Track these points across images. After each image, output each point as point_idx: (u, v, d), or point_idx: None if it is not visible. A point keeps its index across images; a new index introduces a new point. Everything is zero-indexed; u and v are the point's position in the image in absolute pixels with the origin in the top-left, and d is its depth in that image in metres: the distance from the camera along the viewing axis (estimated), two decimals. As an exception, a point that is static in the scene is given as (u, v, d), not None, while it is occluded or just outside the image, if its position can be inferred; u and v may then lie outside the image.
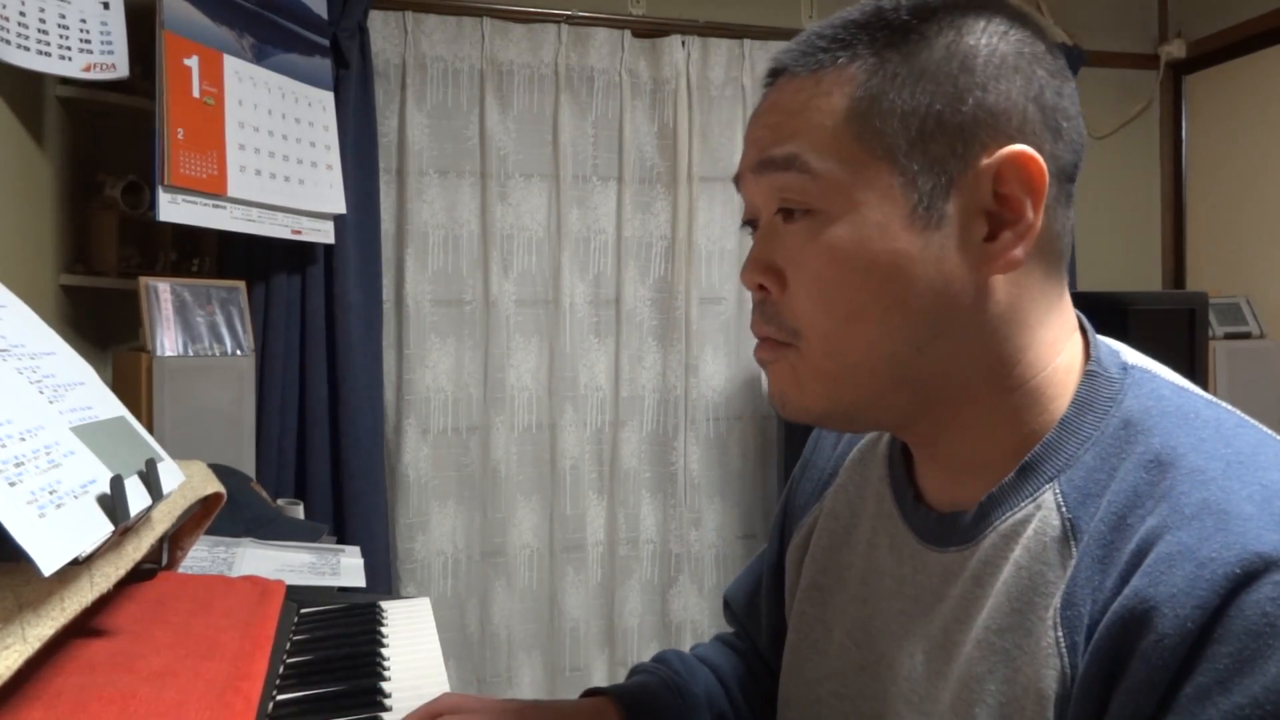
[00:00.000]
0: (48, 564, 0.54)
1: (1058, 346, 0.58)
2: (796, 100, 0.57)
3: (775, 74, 0.60)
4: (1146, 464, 0.52)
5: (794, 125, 0.57)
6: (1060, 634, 0.51)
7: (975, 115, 0.54)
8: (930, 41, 0.55)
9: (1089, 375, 0.58)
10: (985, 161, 0.54)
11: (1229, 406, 0.57)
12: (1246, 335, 2.75)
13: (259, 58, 2.03)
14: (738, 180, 0.62)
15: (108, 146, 2.12)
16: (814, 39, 0.58)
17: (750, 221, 0.63)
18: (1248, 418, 0.56)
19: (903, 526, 0.64)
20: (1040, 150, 0.54)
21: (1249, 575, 0.44)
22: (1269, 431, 0.55)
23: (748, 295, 0.64)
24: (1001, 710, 0.53)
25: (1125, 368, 0.58)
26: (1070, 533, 0.53)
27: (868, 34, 0.56)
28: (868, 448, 0.72)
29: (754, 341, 0.63)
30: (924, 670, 0.60)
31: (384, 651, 0.88)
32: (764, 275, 0.59)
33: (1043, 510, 0.55)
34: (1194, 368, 2.42)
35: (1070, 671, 0.50)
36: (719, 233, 2.69)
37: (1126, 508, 0.51)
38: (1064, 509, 0.54)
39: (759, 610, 0.83)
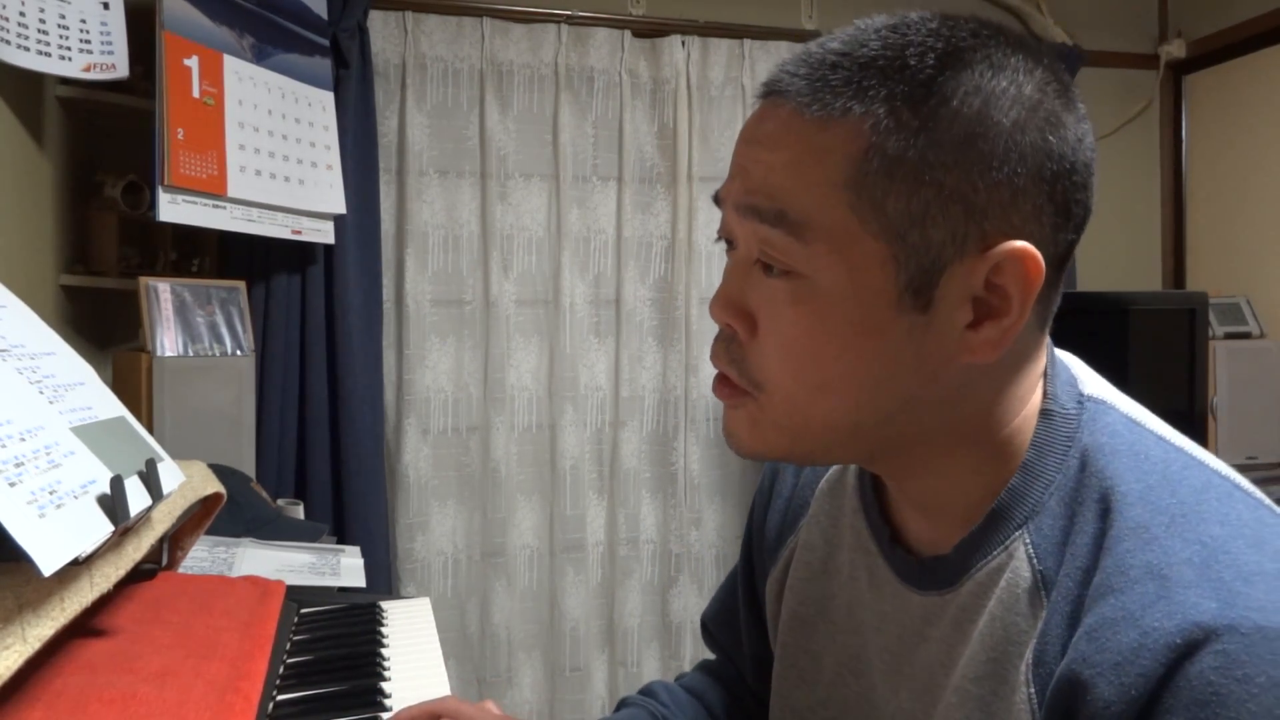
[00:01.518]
0: (48, 564, 0.54)
1: (1027, 398, 0.57)
2: (795, 144, 0.52)
3: (775, 93, 0.54)
4: (1100, 513, 0.52)
5: (786, 177, 0.52)
6: (1033, 690, 0.51)
7: (985, 203, 0.50)
8: (951, 107, 0.50)
9: (1045, 415, 0.57)
10: (985, 253, 0.51)
11: (1179, 442, 0.56)
12: (1246, 335, 2.75)
13: (259, 58, 2.03)
14: (718, 200, 0.58)
15: (108, 146, 2.12)
16: (826, 74, 0.52)
17: (728, 239, 0.58)
18: (1197, 453, 0.56)
19: (881, 563, 0.64)
20: (1043, 240, 0.52)
21: (1190, 645, 0.45)
22: (1215, 468, 0.55)
23: None
24: None
25: (1081, 401, 0.57)
26: (1040, 585, 0.53)
27: (887, 86, 0.50)
28: (836, 478, 0.70)
29: None
30: (909, 709, 0.60)
31: (384, 651, 0.88)
32: (735, 317, 0.56)
33: (1015, 561, 0.55)
34: (1194, 368, 2.41)
35: None
36: (719, 233, 2.68)
37: (1090, 561, 0.51)
38: (1034, 560, 0.54)
39: (739, 637, 0.82)
